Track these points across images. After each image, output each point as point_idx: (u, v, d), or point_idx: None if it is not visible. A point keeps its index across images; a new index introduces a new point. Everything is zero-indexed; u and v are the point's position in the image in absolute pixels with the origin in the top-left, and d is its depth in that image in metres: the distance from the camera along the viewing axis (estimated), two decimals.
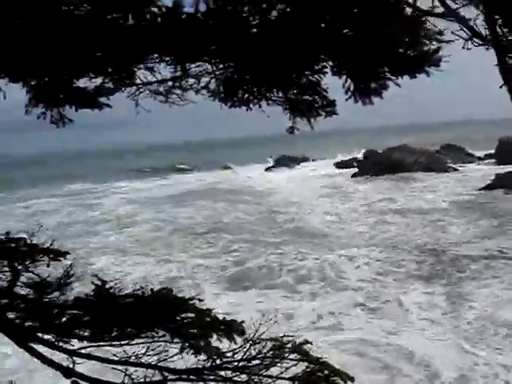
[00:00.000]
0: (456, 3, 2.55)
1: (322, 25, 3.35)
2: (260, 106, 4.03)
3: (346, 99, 3.76)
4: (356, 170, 51.31)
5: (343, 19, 3.23)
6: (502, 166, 42.57)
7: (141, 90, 3.78)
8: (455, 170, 48.95)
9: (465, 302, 15.69)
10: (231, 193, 42.26)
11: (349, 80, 3.67)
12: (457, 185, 39.71)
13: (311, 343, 3.62)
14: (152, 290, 3.82)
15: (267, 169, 60.79)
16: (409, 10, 3.02)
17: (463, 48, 2.57)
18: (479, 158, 56.74)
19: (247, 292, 17.86)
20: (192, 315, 3.70)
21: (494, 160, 52.01)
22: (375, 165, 49.64)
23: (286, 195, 39.97)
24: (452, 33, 2.68)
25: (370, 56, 3.44)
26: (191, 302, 3.76)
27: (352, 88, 3.68)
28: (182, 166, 75.53)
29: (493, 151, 53.54)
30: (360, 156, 58.76)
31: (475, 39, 2.52)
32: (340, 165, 57.37)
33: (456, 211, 29.57)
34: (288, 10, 3.37)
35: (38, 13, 3.27)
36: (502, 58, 2.47)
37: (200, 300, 3.82)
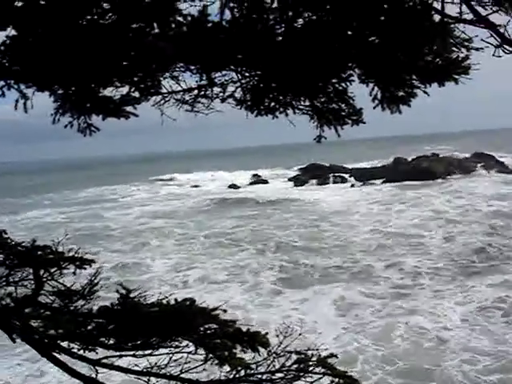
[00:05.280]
0: (485, 9, 2.49)
1: (349, 32, 3.31)
2: (286, 115, 4.00)
3: (374, 107, 3.70)
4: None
5: (370, 27, 3.18)
6: None
7: (166, 98, 3.78)
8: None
9: None
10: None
11: (376, 88, 3.62)
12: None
13: (337, 356, 3.56)
14: (176, 300, 3.80)
15: (294, 179, 59.52)
16: (437, 17, 2.96)
17: (493, 55, 2.50)
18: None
19: None
20: (216, 326, 3.66)
21: None
22: (405, 173, 49.28)
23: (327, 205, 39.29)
24: (482, 40, 2.61)
25: (398, 64, 3.39)
26: (215, 312, 3.73)
27: (379, 96, 3.63)
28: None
29: None
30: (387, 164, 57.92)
31: (506, 46, 2.45)
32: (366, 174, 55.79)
33: None
34: (314, 18, 3.34)
35: (64, 22, 3.28)
36: None
37: (224, 311, 3.78)
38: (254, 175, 67.07)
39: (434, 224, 29.02)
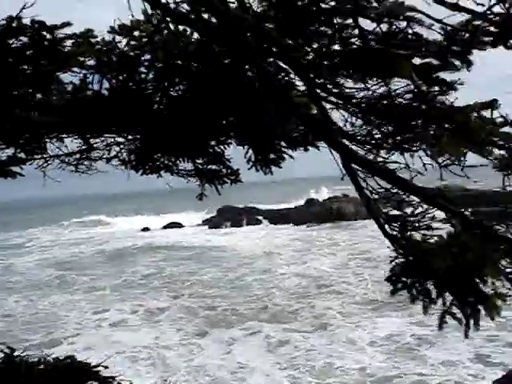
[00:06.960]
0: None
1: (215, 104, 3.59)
2: (172, 174, 4.24)
3: (249, 168, 4.00)
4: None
5: (237, 100, 3.48)
6: None
7: (49, 162, 3.92)
8: None
9: None
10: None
11: (250, 151, 3.92)
12: None
13: None
14: (57, 358, 3.88)
15: (208, 221, 59.31)
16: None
17: None
18: None
19: None
20: (96, 383, 3.77)
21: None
22: (317, 214, 50.42)
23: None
24: None
25: (267, 131, 3.70)
26: (96, 369, 3.84)
27: (253, 158, 3.92)
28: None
29: None
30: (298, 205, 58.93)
31: None
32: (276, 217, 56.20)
33: None
34: (188, 88, 3.61)
35: None
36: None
37: (105, 367, 3.89)
38: (167, 218, 66.27)
39: (351, 265, 29.64)
